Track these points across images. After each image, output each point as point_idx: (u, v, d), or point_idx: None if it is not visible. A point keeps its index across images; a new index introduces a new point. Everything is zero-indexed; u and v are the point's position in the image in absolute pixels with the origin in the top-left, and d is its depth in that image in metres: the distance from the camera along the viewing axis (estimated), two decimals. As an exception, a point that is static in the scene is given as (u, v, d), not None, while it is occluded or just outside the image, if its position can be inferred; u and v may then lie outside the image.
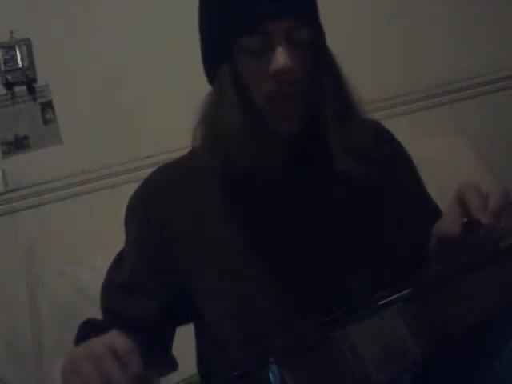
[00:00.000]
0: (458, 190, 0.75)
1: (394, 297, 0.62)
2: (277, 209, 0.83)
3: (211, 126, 0.81)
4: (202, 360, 0.90)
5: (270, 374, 0.54)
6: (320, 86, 0.79)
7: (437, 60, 1.89)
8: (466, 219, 0.70)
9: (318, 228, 0.82)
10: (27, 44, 1.74)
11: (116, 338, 0.62)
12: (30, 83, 1.74)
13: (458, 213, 0.73)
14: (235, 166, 0.78)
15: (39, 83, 1.75)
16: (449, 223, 0.74)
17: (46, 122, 1.75)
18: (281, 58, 0.74)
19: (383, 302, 0.61)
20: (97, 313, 0.89)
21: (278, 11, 0.75)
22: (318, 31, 0.81)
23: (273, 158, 0.79)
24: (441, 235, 0.77)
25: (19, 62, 1.72)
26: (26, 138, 1.74)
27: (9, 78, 1.72)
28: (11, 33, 1.72)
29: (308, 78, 0.78)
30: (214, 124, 0.80)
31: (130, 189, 0.93)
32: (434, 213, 0.93)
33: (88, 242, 1.53)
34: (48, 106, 1.75)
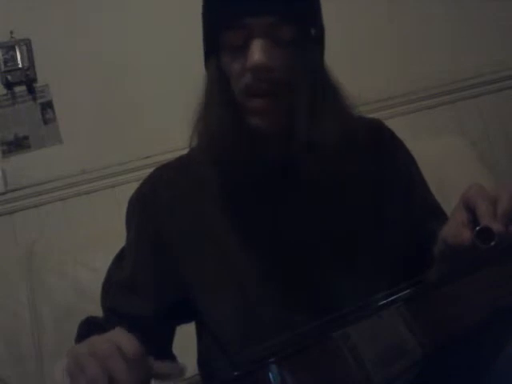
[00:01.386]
0: (464, 195, 0.69)
1: (394, 297, 0.62)
2: (276, 209, 0.83)
3: (202, 124, 0.81)
4: (202, 360, 0.90)
5: (270, 374, 0.54)
6: (299, 87, 0.78)
7: (437, 60, 1.89)
8: (477, 228, 0.65)
9: (316, 227, 0.82)
10: (27, 44, 1.74)
11: (122, 336, 0.62)
12: (30, 83, 1.74)
13: (466, 220, 0.68)
14: (230, 166, 0.78)
15: (39, 83, 1.75)
16: (457, 231, 0.68)
17: (46, 121, 1.75)
18: (256, 53, 0.74)
19: (383, 302, 0.61)
20: (97, 312, 0.89)
21: (259, 7, 0.75)
22: (305, 32, 0.79)
23: (254, 155, 0.78)
24: (450, 244, 0.70)
25: (19, 62, 1.72)
26: (26, 138, 1.74)
27: (9, 78, 1.72)
28: (11, 33, 1.72)
29: (288, 76, 0.77)
30: (204, 122, 0.81)
31: (130, 189, 0.93)
32: (437, 211, 0.93)
33: (88, 242, 1.53)
34: (48, 106, 1.75)
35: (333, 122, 0.79)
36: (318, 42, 0.82)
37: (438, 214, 0.91)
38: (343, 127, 0.80)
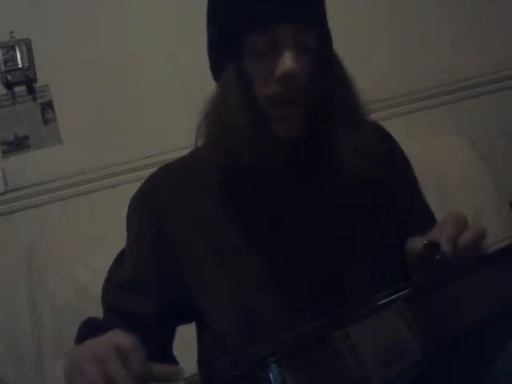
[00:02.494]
0: (446, 217, 0.76)
1: (393, 297, 0.62)
2: (278, 209, 0.83)
3: (215, 125, 0.81)
4: (202, 360, 0.90)
5: (270, 374, 0.54)
6: (325, 92, 0.79)
7: (437, 60, 1.89)
8: (426, 241, 0.72)
9: (318, 228, 0.82)
10: (27, 44, 1.74)
11: (120, 337, 0.62)
12: (30, 83, 1.73)
13: (431, 235, 0.74)
14: (237, 166, 0.78)
15: (39, 83, 1.75)
16: (419, 239, 0.76)
17: (46, 121, 1.75)
18: (288, 61, 0.75)
19: (383, 301, 0.61)
20: (97, 313, 0.89)
21: (288, 13, 0.75)
22: (325, 36, 0.82)
23: (274, 159, 0.79)
24: (407, 248, 0.81)
25: (19, 62, 1.72)
26: (26, 138, 1.74)
27: (9, 78, 1.71)
28: (11, 33, 1.72)
29: (313, 83, 0.78)
30: (218, 124, 0.80)
31: (130, 189, 0.93)
32: (429, 217, 0.94)
33: (88, 242, 1.53)
34: (48, 106, 1.75)
35: (363, 124, 0.81)
36: (332, 45, 0.83)
37: (430, 220, 0.92)
38: (362, 130, 0.81)
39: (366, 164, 0.79)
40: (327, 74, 0.80)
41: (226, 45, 0.80)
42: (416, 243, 0.77)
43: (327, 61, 0.81)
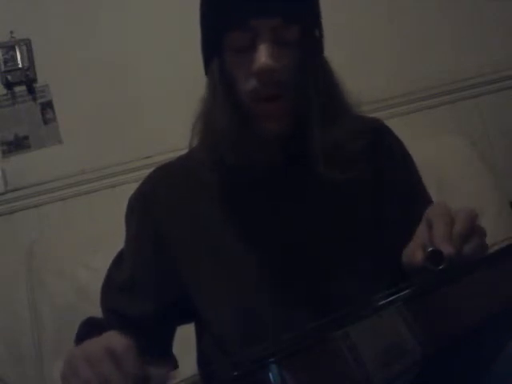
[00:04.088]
0: (426, 214, 0.70)
1: (394, 297, 0.62)
2: (273, 207, 0.83)
3: (205, 123, 0.81)
4: (202, 360, 0.90)
5: (270, 374, 0.54)
6: (305, 88, 0.78)
7: (437, 60, 1.89)
8: (429, 249, 0.65)
9: (315, 226, 0.82)
10: (27, 44, 1.74)
11: (113, 339, 0.63)
12: (30, 83, 1.73)
13: (423, 239, 0.68)
14: (230, 166, 0.78)
15: (39, 83, 1.75)
16: (413, 249, 0.70)
17: (46, 121, 1.75)
18: (263, 56, 0.74)
19: (383, 301, 0.61)
20: (96, 313, 0.89)
21: (266, 9, 0.74)
22: (309, 32, 0.80)
23: (260, 156, 0.79)
24: (405, 263, 0.73)
25: (19, 62, 1.72)
26: (26, 138, 1.74)
27: (9, 78, 1.72)
28: (11, 33, 1.72)
29: (294, 78, 0.77)
30: (207, 122, 0.80)
31: (130, 189, 0.93)
32: None
33: (88, 242, 1.53)
34: (48, 106, 1.75)
35: (341, 123, 0.80)
36: (319, 42, 0.83)
37: None
38: (350, 127, 0.80)
39: (339, 169, 0.77)
40: (308, 71, 0.78)
41: (209, 42, 0.81)
42: (414, 252, 0.69)
43: (309, 57, 0.79)
